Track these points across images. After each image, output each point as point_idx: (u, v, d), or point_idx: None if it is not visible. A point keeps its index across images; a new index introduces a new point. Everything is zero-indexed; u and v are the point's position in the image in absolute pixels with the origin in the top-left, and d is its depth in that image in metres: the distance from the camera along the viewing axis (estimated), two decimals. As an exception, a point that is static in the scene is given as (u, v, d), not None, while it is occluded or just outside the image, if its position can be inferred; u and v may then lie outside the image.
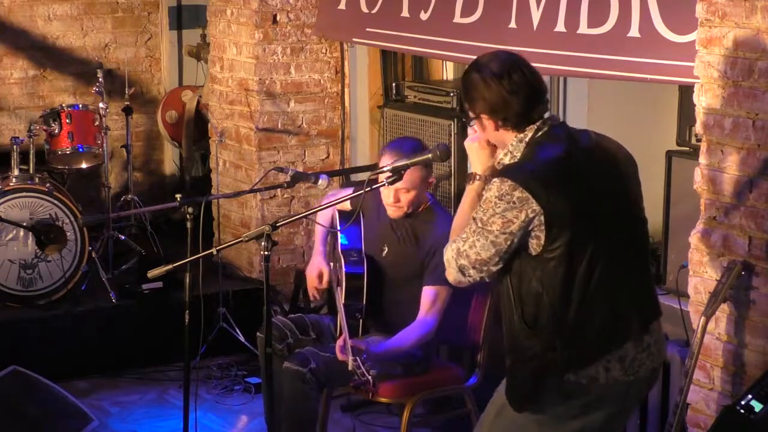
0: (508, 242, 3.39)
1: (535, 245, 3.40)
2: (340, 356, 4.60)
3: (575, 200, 3.39)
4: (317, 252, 5.19)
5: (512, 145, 3.48)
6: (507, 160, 3.49)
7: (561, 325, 3.42)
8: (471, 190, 3.57)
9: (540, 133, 3.47)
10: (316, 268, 5.13)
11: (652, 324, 3.57)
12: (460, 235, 3.48)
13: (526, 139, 3.47)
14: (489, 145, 3.58)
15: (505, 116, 3.45)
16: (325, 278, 5.10)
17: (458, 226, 3.54)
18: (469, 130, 3.65)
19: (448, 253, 3.50)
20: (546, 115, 3.54)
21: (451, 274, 3.51)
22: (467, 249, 3.44)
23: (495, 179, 3.41)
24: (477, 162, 3.60)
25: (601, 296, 3.43)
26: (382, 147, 5.04)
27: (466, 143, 3.64)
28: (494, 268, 3.44)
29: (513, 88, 3.43)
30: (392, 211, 4.93)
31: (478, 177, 3.57)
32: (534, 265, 3.42)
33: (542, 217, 3.35)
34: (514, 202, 3.35)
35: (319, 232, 5.25)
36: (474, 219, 3.43)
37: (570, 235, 3.37)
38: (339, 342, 4.65)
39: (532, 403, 3.51)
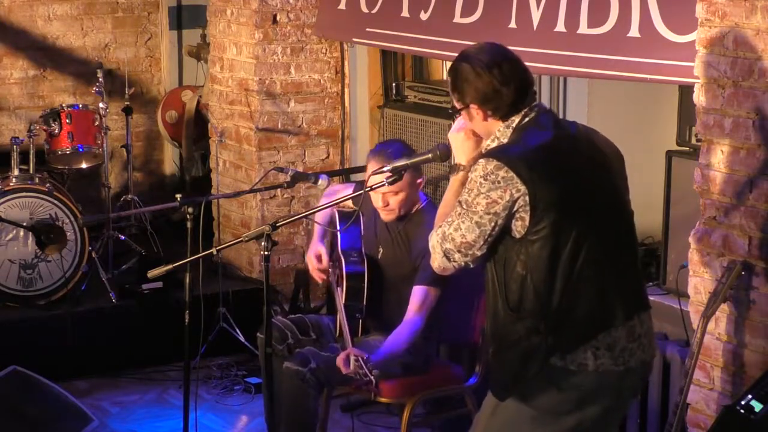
0: (493, 223, 3.39)
1: (519, 227, 3.40)
2: (343, 370, 4.59)
3: (560, 184, 3.40)
4: (315, 237, 5.17)
5: (499, 131, 3.50)
6: (493, 146, 3.50)
7: (545, 308, 3.42)
8: (455, 180, 3.58)
9: (527, 119, 3.49)
10: (314, 251, 5.11)
11: (641, 314, 3.56)
12: (445, 220, 3.48)
13: (513, 125, 3.49)
14: (474, 135, 3.59)
15: (496, 106, 3.47)
16: (324, 259, 5.07)
17: (443, 215, 3.55)
18: (456, 122, 3.65)
19: (433, 239, 3.50)
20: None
21: (436, 260, 3.50)
22: (452, 232, 3.44)
23: (480, 160, 3.42)
24: (461, 152, 3.62)
25: (586, 280, 3.43)
26: (368, 153, 5.04)
27: (451, 134, 3.65)
28: (479, 253, 3.44)
29: (504, 79, 3.45)
30: (384, 215, 4.93)
31: (462, 167, 3.58)
32: (518, 249, 3.42)
33: (526, 198, 3.36)
34: (498, 182, 3.36)
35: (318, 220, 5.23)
36: (459, 202, 3.44)
37: (554, 217, 3.38)
38: (341, 356, 4.64)
39: (516, 390, 3.50)
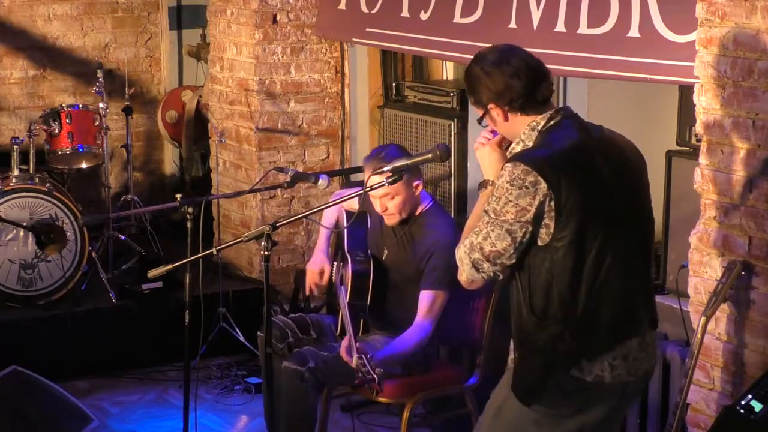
0: (523, 230, 3.35)
1: (543, 234, 3.37)
2: (345, 357, 4.60)
3: (586, 188, 3.37)
4: (320, 249, 5.19)
5: (524, 134, 3.47)
6: (519, 149, 3.47)
7: (570, 315, 3.40)
8: (484, 195, 3.53)
9: (552, 122, 3.46)
10: (319, 265, 5.12)
11: (655, 324, 3.58)
12: (472, 231, 3.44)
13: (539, 128, 3.46)
14: (500, 148, 3.56)
15: (511, 99, 3.44)
16: (326, 276, 5.10)
17: (470, 227, 3.49)
18: (478, 139, 3.63)
19: (461, 251, 3.45)
20: (557, 105, 3.54)
21: (464, 272, 3.45)
22: (481, 241, 3.39)
23: (507, 164, 3.38)
24: (489, 166, 3.57)
25: (611, 287, 3.42)
26: (363, 159, 5.04)
27: (477, 150, 3.62)
28: (508, 262, 3.40)
29: (513, 72, 3.44)
30: (387, 220, 4.94)
31: (490, 183, 3.53)
32: (543, 256, 3.39)
33: (552, 203, 3.33)
34: (526, 187, 3.33)
35: (323, 229, 5.25)
36: (486, 211, 3.39)
37: (579, 222, 3.35)
38: (344, 342, 4.65)
39: (539, 396, 3.48)
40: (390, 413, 5.76)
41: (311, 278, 5.14)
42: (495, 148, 3.57)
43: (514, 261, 3.41)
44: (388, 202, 4.86)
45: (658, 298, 4.87)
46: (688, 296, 4.35)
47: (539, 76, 3.48)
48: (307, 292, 5.22)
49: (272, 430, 4.94)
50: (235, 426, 5.92)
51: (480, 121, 3.58)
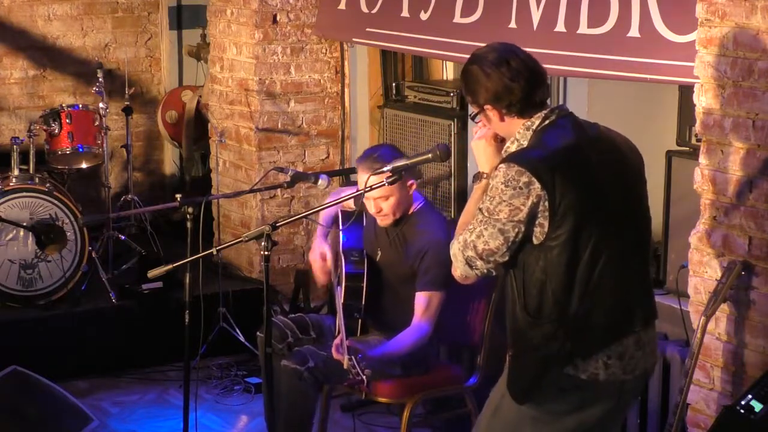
0: (516, 230, 3.36)
1: (538, 233, 3.38)
2: (335, 355, 4.61)
3: (581, 187, 3.37)
4: (317, 237, 5.16)
5: (519, 133, 3.47)
6: (514, 148, 3.47)
7: (564, 314, 3.41)
8: (478, 188, 3.54)
9: (547, 122, 3.46)
10: (318, 250, 5.09)
11: (652, 321, 3.57)
12: (466, 228, 3.45)
13: (534, 127, 3.46)
14: (496, 141, 3.56)
15: (509, 102, 3.44)
16: (329, 257, 5.05)
17: (464, 224, 3.51)
18: (473, 129, 3.63)
19: (455, 247, 3.46)
20: (552, 104, 3.54)
21: (458, 269, 3.47)
22: (474, 239, 3.40)
23: (501, 165, 3.39)
24: (483, 159, 3.58)
25: (605, 286, 3.42)
26: (356, 161, 5.03)
27: (472, 142, 3.63)
28: (501, 260, 3.41)
29: (513, 75, 3.43)
30: (380, 221, 4.93)
31: (485, 176, 3.54)
32: (537, 255, 3.40)
33: (546, 203, 3.33)
34: (520, 188, 3.33)
35: (320, 227, 5.24)
36: (480, 209, 3.40)
37: (574, 222, 3.35)
38: (336, 341, 4.66)
39: (534, 395, 3.49)
40: (390, 413, 5.76)
41: (315, 265, 5.10)
42: (490, 141, 3.57)
43: (507, 259, 3.42)
44: (382, 203, 4.85)
45: (658, 298, 4.89)
46: (688, 296, 4.35)
47: (538, 79, 3.48)
48: (320, 285, 5.17)
49: (272, 430, 4.94)
50: (235, 426, 5.92)
51: (474, 117, 3.58)
